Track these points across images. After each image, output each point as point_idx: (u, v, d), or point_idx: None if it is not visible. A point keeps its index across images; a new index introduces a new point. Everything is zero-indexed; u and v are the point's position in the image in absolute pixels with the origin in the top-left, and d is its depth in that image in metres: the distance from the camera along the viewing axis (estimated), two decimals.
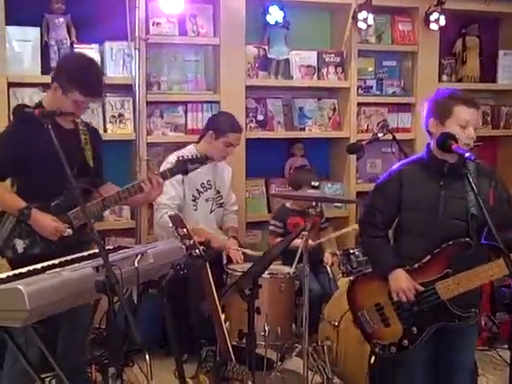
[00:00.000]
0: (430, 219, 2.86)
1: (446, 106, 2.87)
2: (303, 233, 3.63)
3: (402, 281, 2.89)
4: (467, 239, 2.81)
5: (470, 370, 3.07)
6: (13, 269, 2.82)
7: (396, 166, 3.04)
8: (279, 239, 4.39)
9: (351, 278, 3.59)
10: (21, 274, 2.52)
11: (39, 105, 3.20)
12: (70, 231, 3.09)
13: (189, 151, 4.32)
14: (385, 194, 2.99)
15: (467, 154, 2.71)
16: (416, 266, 2.90)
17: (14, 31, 4.35)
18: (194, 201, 4.32)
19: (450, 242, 2.82)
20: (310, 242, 3.75)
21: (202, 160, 3.43)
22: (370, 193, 3.13)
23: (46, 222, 3.06)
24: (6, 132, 3.25)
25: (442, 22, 5.29)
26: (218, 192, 4.45)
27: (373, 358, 3.44)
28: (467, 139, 2.82)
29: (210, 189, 4.38)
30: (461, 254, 2.82)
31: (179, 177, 4.17)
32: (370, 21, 5.09)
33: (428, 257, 2.87)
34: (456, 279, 2.81)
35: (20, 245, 3.07)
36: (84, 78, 3.11)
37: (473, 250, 2.81)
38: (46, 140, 2.86)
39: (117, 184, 3.45)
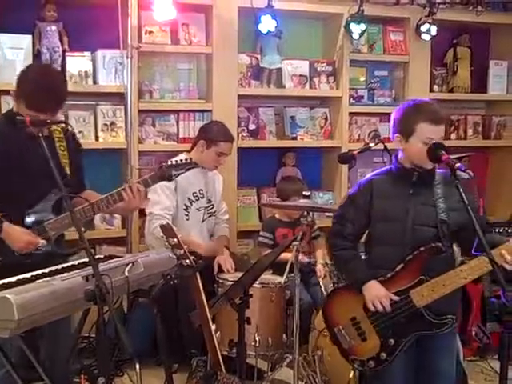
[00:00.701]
0: (401, 228, 2.89)
1: (410, 123, 2.88)
2: (294, 243, 3.63)
3: (376, 290, 2.89)
4: (438, 244, 2.83)
5: (451, 378, 3.03)
6: None
7: (366, 177, 3.07)
8: (269, 251, 4.39)
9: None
10: (10, 283, 2.50)
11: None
12: (44, 242, 2.95)
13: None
14: (355, 205, 3.01)
15: (458, 165, 2.72)
16: (389, 275, 2.90)
17: (5, 39, 4.35)
18: (185, 210, 4.31)
19: (422, 248, 2.83)
20: (301, 257, 3.76)
21: (186, 165, 3.25)
22: (340, 204, 3.16)
23: (17, 235, 2.92)
24: None
25: (434, 32, 5.31)
26: (210, 201, 4.44)
27: (351, 374, 3.43)
28: None
29: (201, 198, 4.37)
30: (433, 259, 2.84)
31: (172, 186, 4.17)
32: (362, 31, 5.11)
33: (401, 265, 2.88)
34: (430, 285, 2.82)
35: None
36: (30, 91, 2.93)
37: (445, 254, 2.83)
38: (26, 147, 2.86)
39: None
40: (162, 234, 2.99)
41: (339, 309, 3.07)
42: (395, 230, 2.89)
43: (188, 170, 3.27)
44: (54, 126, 3.13)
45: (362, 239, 3.11)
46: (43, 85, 2.96)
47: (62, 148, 3.12)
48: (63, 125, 3.19)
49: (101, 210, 3.09)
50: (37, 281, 2.50)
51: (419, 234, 2.87)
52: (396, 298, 2.88)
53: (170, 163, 3.19)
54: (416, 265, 2.86)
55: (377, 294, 2.88)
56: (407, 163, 2.92)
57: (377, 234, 2.98)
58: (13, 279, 2.54)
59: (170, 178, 3.20)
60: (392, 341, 2.90)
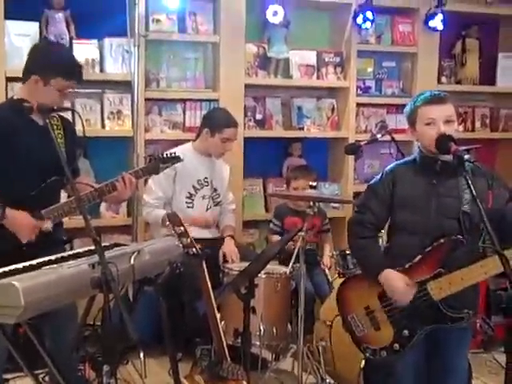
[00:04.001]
0: (423, 217, 2.84)
1: (412, 111, 2.91)
2: (300, 233, 3.63)
3: (394, 280, 2.84)
4: (459, 236, 2.78)
5: (463, 375, 3.02)
6: None
7: (389, 166, 3.03)
8: (276, 237, 4.45)
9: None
10: (16, 269, 2.50)
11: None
12: (48, 226, 2.91)
13: (187, 149, 4.31)
14: (377, 195, 2.97)
15: (466, 156, 2.70)
16: (407, 266, 2.86)
17: (13, 26, 4.34)
18: (189, 198, 4.30)
19: (442, 240, 2.78)
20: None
21: (173, 159, 3.39)
22: (363, 193, 3.11)
23: (24, 220, 2.88)
24: None
25: (443, 23, 5.28)
26: (216, 190, 4.43)
27: (363, 362, 3.41)
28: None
29: (206, 186, 4.37)
30: (453, 252, 2.79)
31: (172, 174, 4.18)
32: (370, 21, 5.08)
33: (419, 256, 2.83)
34: (448, 278, 2.77)
35: None
36: (65, 62, 3.01)
37: (465, 248, 2.78)
38: (28, 133, 2.89)
39: None
40: (167, 222, 2.99)
41: (353, 297, 3.05)
42: (417, 219, 2.85)
43: (174, 163, 3.43)
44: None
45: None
46: (68, 52, 3.12)
47: (59, 136, 3.10)
48: (60, 112, 3.16)
49: (95, 198, 3.10)
50: (43, 268, 2.49)
51: (441, 225, 2.81)
52: (411, 282, 2.81)
53: (157, 157, 3.31)
54: (435, 257, 2.80)
55: (396, 284, 2.82)
56: (429, 152, 2.86)
57: (398, 221, 2.94)
58: (19, 266, 2.54)
59: (157, 172, 3.33)
60: (406, 332, 2.87)
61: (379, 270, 2.88)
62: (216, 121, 4.30)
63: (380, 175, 3.01)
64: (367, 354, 3.00)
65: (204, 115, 4.55)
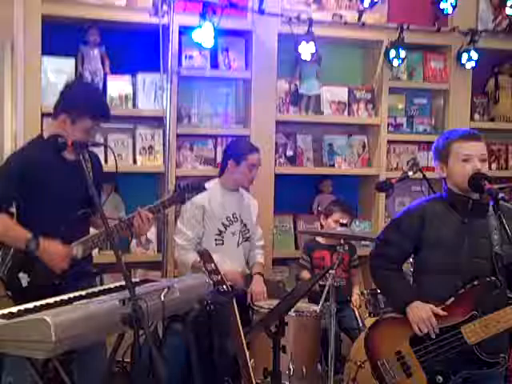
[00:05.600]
0: (454, 258, 2.79)
1: (445, 146, 2.87)
2: (330, 271, 3.60)
3: (420, 310, 2.77)
4: (493, 278, 2.72)
5: None
6: (15, 303, 2.69)
7: (415, 202, 2.99)
8: (305, 272, 4.44)
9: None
10: (48, 304, 2.51)
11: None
12: (79, 252, 2.98)
13: (214, 186, 4.29)
14: (401, 230, 2.92)
15: (500, 195, 2.66)
16: (440, 308, 2.80)
17: (49, 62, 4.40)
18: (219, 235, 4.27)
19: (476, 282, 2.73)
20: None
21: (197, 188, 3.41)
22: (385, 227, 3.09)
23: (57, 249, 2.94)
24: (17, 154, 3.19)
25: (475, 60, 5.26)
26: (245, 225, 4.41)
27: None
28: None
29: (235, 222, 4.34)
30: (487, 294, 2.73)
31: (200, 213, 4.16)
32: (402, 58, 5.08)
33: (452, 298, 2.77)
34: (483, 322, 2.71)
35: (24, 278, 2.93)
36: (92, 104, 3.11)
37: (499, 290, 2.72)
38: (57, 170, 2.94)
39: None
40: (198, 259, 2.97)
41: (383, 341, 2.94)
42: (448, 259, 2.79)
43: (200, 192, 3.46)
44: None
45: (409, 267, 3.03)
46: (99, 94, 3.23)
47: (88, 171, 3.13)
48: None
49: (124, 230, 3.14)
50: (74, 303, 2.49)
51: (472, 266, 2.76)
52: (443, 312, 2.76)
53: (183, 186, 3.35)
54: (468, 299, 2.75)
55: (421, 314, 2.76)
56: (457, 190, 2.83)
57: (427, 262, 2.88)
58: (50, 301, 2.55)
59: (183, 201, 3.39)
60: (440, 378, 2.77)
61: (407, 301, 2.82)
62: (238, 150, 4.32)
63: (406, 210, 2.97)
64: None
65: (224, 150, 4.54)
